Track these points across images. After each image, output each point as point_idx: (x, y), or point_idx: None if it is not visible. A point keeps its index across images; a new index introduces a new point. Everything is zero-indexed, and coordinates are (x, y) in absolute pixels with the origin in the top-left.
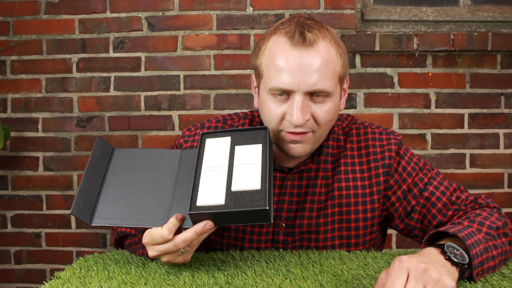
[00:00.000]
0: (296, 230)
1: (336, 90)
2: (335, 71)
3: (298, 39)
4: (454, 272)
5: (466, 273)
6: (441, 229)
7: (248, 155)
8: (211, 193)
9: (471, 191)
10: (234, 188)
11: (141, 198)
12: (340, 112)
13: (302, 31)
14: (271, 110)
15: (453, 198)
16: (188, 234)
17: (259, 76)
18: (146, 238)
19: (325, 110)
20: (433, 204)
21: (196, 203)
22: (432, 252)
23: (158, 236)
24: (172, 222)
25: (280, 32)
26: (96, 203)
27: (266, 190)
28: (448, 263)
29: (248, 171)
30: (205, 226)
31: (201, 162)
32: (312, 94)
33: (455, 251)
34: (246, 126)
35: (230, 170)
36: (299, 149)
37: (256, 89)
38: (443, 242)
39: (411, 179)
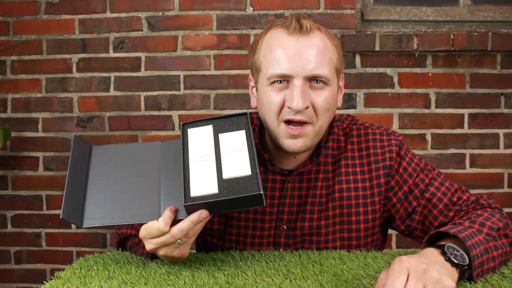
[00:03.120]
0: (298, 233)
1: (334, 80)
2: (332, 60)
3: (295, 26)
4: (454, 273)
5: (466, 274)
6: (442, 229)
7: (233, 142)
8: (203, 183)
9: (471, 191)
10: (226, 175)
11: (128, 194)
12: (340, 113)
13: (298, 19)
14: (271, 99)
15: (454, 199)
16: (185, 224)
17: (257, 71)
18: (142, 232)
19: (323, 98)
20: (434, 205)
21: (190, 194)
22: (432, 253)
23: (155, 229)
24: (167, 214)
25: (277, 25)
26: (84, 204)
27: (257, 174)
28: (448, 264)
29: (236, 157)
30: (201, 215)
31: (187, 152)
32: (311, 81)
33: (456, 252)
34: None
35: (218, 159)
36: (299, 144)
37: (254, 88)
38: (444, 243)
39: (412, 180)
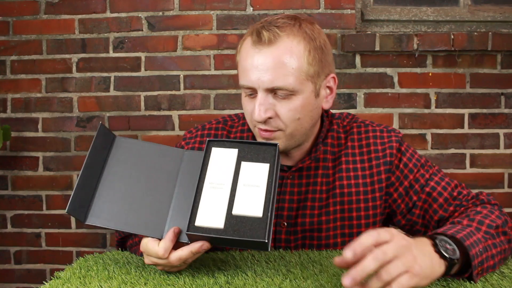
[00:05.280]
0: (298, 229)
1: (303, 88)
2: (299, 69)
3: (255, 38)
4: (440, 265)
5: (453, 268)
6: (439, 230)
7: (253, 175)
8: (211, 213)
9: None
10: (235, 211)
11: (139, 200)
12: (341, 111)
13: (259, 30)
14: (245, 107)
15: (455, 194)
16: (184, 253)
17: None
18: (143, 247)
19: (289, 109)
20: (434, 199)
21: (194, 223)
22: (423, 242)
23: (154, 253)
24: (169, 238)
25: (248, 33)
26: (92, 199)
27: (267, 219)
28: (436, 256)
29: (252, 194)
30: (202, 246)
31: (205, 175)
32: (275, 92)
33: (447, 246)
34: (246, 127)
35: (233, 190)
36: None
37: None
38: (437, 235)
39: (413, 175)
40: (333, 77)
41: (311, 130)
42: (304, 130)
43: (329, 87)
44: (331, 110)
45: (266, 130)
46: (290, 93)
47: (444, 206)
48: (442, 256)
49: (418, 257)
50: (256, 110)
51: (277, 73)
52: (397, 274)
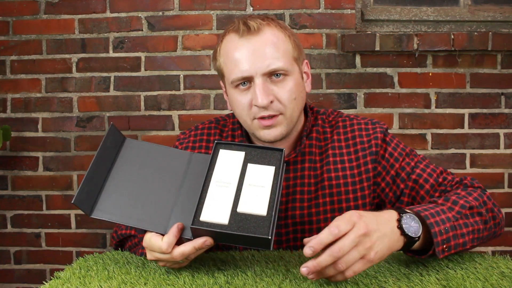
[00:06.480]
0: (289, 222)
1: (294, 69)
2: (287, 51)
3: (243, 29)
4: (399, 240)
5: (414, 245)
6: (407, 208)
7: (259, 176)
8: (216, 209)
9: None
10: (240, 209)
11: (144, 197)
12: (324, 109)
13: (245, 22)
14: (239, 102)
15: (440, 180)
16: (187, 248)
17: (222, 76)
18: (146, 242)
19: (287, 90)
20: (421, 186)
21: (199, 217)
22: (389, 218)
23: (157, 247)
24: (173, 233)
25: (229, 31)
26: (99, 194)
27: (271, 217)
28: (397, 232)
29: (257, 193)
30: (205, 242)
31: (211, 173)
32: (271, 76)
33: (412, 223)
34: (237, 126)
35: (239, 189)
36: (274, 133)
37: (226, 92)
38: (407, 211)
39: (399, 164)
40: (307, 62)
41: (298, 118)
42: (298, 111)
43: (305, 72)
44: (316, 107)
45: (268, 117)
46: (285, 74)
47: (431, 192)
48: (403, 233)
49: (376, 242)
50: (258, 96)
51: (272, 56)
52: (352, 263)
